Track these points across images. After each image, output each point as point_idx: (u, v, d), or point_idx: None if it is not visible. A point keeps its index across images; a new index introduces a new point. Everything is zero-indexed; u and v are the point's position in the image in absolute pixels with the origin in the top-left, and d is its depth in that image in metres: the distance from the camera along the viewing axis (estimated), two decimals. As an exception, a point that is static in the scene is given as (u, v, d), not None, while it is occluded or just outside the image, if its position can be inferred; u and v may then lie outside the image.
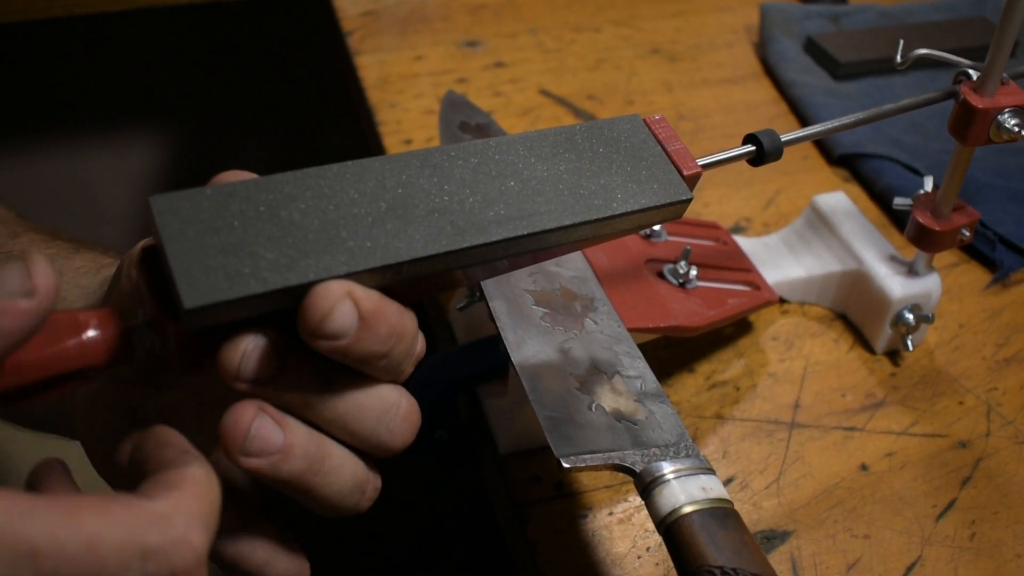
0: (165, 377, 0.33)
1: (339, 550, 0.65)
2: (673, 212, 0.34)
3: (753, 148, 0.39)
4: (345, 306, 0.26)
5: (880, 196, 0.67)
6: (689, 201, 0.34)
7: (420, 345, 0.30)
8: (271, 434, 0.27)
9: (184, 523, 0.24)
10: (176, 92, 1.29)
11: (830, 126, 0.43)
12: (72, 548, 0.22)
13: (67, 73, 1.22)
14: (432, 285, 0.31)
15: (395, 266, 0.28)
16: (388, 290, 0.29)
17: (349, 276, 0.27)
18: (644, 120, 0.35)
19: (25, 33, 1.15)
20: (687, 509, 0.34)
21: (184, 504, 0.24)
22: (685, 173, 0.34)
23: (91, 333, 0.26)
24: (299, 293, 0.26)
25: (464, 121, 0.56)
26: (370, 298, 0.27)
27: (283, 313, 0.27)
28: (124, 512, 0.23)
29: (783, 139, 0.40)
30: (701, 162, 0.36)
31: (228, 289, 0.25)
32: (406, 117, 0.72)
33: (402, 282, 0.29)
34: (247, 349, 0.27)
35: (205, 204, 0.26)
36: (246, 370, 0.27)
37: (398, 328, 0.28)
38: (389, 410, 0.30)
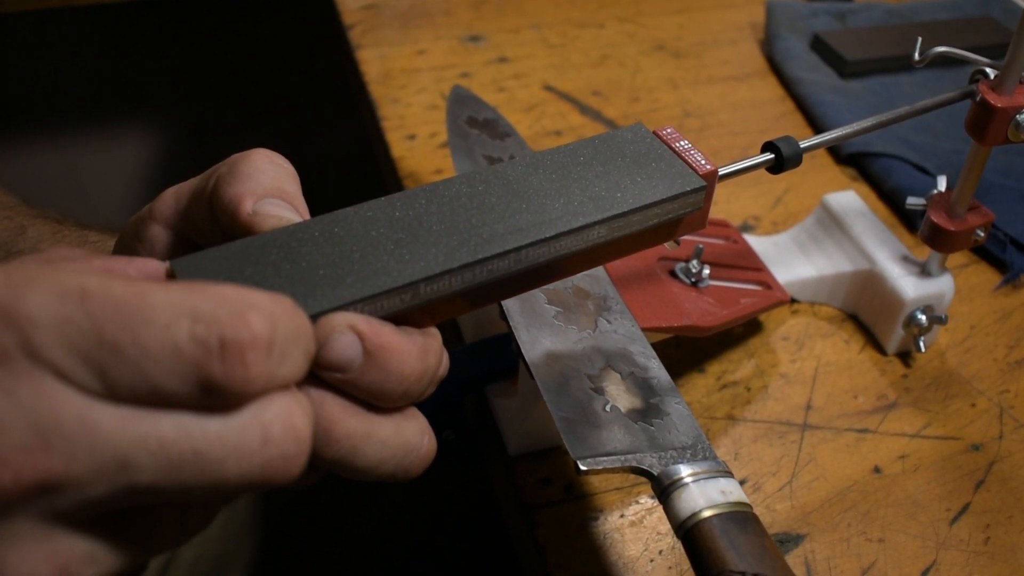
0: None
1: (340, 548, 0.64)
2: (691, 205, 0.33)
3: (772, 156, 0.38)
4: (345, 337, 0.26)
5: (889, 195, 0.66)
6: (703, 189, 0.33)
7: (443, 368, 0.29)
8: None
9: (245, 305, 0.23)
10: (173, 86, 1.28)
11: (848, 131, 0.42)
12: (121, 293, 0.22)
13: (61, 65, 1.20)
14: (457, 306, 0.30)
15: (411, 287, 0.28)
16: (412, 316, 0.28)
17: (361, 303, 0.27)
18: (654, 131, 0.35)
19: (18, 24, 1.14)
20: (707, 513, 0.33)
21: (252, 294, 0.23)
22: (700, 172, 0.33)
23: None
24: None
25: (471, 116, 0.55)
26: (378, 332, 0.26)
27: None
28: (184, 285, 0.23)
29: (802, 145, 0.39)
30: (722, 171, 0.36)
31: None
32: (409, 112, 0.71)
33: (426, 306, 0.28)
34: None
35: (221, 259, 0.27)
36: None
37: (416, 367, 0.27)
38: (410, 452, 0.29)
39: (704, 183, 0.33)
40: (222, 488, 0.23)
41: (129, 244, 0.33)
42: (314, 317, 0.26)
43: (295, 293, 0.26)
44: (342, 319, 0.26)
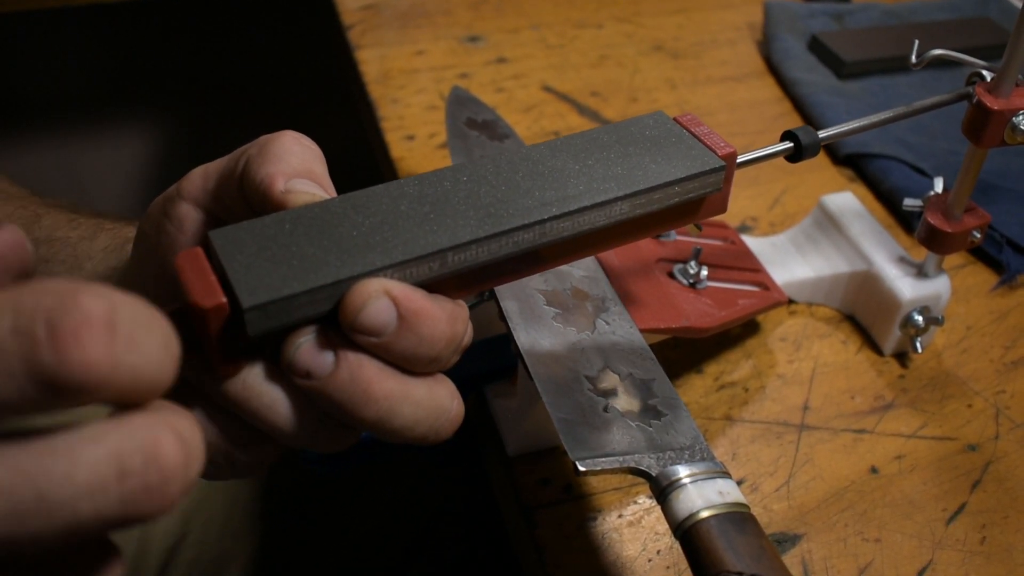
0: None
1: (339, 548, 0.65)
2: (711, 185, 0.34)
3: (791, 144, 0.39)
4: (380, 302, 0.27)
5: (886, 196, 0.66)
6: (722, 169, 0.34)
7: (468, 336, 0.30)
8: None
9: (75, 289, 0.20)
10: (172, 85, 1.28)
11: (865, 123, 0.42)
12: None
13: (61, 65, 1.20)
14: (486, 276, 0.31)
15: (439, 255, 0.29)
16: (440, 285, 0.29)
17: (392, 269, 0.28)
18: (674, 118, 0.36)
19: (18, 24, 1.14)
20: (704, 514, 0.34)
21: (85, 284, 0.21)
22: (719, 153, 0.34)
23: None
24: (344, 291, 0.27)
25: (471, 117, 0.55)
26: (411, 298, 0.27)
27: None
28: (6, 285, 0.21)
29: (820, 135, 0.39)
30: (741, 159, 0.36)
31: (280, 289, 0.27)
32: (408, 112, 0.71)
33: (453, 276, 0.30)
34: (301, 343, 0.27)
35: (257, 230, 0.28)
36: (300, 362, 0.27)
37: (446, 332, 0.28)
38: (442, 415, 0.30)
39: (723, 163, 0.34)
40: (81, 531, 0.20)
41: (157, 222, 0.33)
42: (348, 281, 0.27)
43: (329, 259, 0.27)
44: (378, 285, 0.27)
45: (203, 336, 0.27)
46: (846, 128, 0.42)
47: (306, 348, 0.27)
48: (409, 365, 0.28)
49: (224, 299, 0.26)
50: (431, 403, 0.29)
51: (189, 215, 0.32)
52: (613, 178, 0.32)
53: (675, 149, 0.34)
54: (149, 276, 0.34)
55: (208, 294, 0.26)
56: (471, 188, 0.31)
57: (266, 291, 0.26)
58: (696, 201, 0.34)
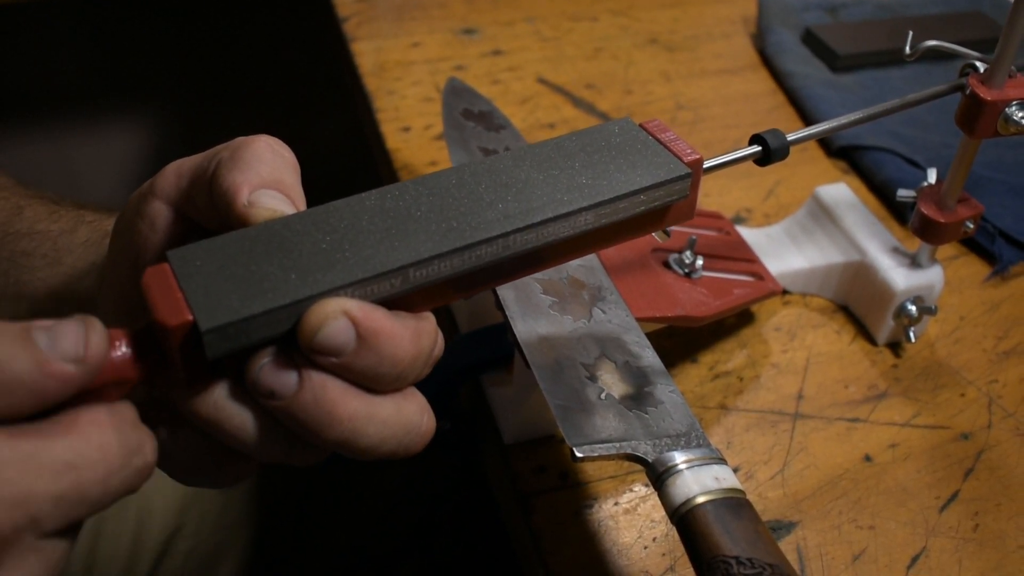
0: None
1: (335, 537, 0.65)
2: (677, 192, 0.34)
3: (759, 148, 0.39)
4: (338, 322, 0.26)
5: (880, 188, 0.67)
6: (688, 177, 0.34)
7: (438, 349, 0.30)
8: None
9: None
10: (166, 77, 1.28)
11: (836, 124, 0.42)
12: None
13: (54, 56, 1.20)
14: (452, 290, 0.31)
15: (401, 271, 0.28)
16: (404, 301, 0.29)
17: (353, 287, 0.28)
18: (640, 124, 0.36)
19: (10, 16, 1.14)
20: (701, 499, 0.34)
21: None
22: (686, 160, 0.34)
23: (125, 374, 0.27)
24: (303, 311, 0.27)
25: (467, 108, 0.55)
26: (370, 317, 0.27)
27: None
28: None
29: (789, 138, 0.39)
30: (707, 164, 0.36)
31: (238, 310, 0.26)
32: (404, 104, 0.71)
33: (417, 291, 0.29)
34: (264, 363, 0.27)
35: (216, 249, 0.28)
36: (263, 382, 0.27)
37: (410, 350, 0.28)
38: (411, 431, 0.29)
39: (689, 170, 0.34)
40: None
41: (130, 220, 0.33)
42: (307, 301, 0.27)
43: (288, 278, 0.27)
44: (336, 305, 0.27)
45: (170, 354, 0.26)
46: (821, 128, 0.42)
47: (269, 368, 0.27)
48: (373, 384, 0.28)
49: (190, 317, 0.26)
50: (398, 421, 0.29)
51: (161, 214, 0.32)
52: (578, 188, 0.32)
53: (640, 156, 0.34)
54: (125, 273, 0.34)
55: (174, 312, 0.26)
56: (433, 202, 0.31)
57: (224, 312, 0.26)
58: (662, 209, 0.34)
